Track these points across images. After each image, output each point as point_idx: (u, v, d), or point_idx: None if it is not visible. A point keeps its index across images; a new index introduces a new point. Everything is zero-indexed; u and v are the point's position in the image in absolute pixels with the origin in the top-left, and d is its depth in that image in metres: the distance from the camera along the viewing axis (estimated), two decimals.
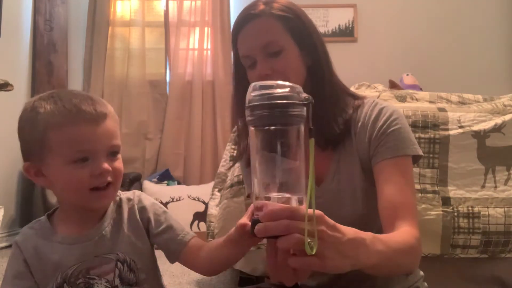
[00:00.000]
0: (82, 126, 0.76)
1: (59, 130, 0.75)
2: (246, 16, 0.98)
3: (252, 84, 0.63)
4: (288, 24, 0.97)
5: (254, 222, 0.61)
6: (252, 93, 0.62)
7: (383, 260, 0.71)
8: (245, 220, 0.69)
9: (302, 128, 0.62)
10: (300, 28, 0.99)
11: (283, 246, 0.58)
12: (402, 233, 0.83)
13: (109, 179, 0.78)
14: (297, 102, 0.61)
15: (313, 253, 0.58)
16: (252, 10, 0.98)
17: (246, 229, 0.67)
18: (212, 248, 0.80)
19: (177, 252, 0.84)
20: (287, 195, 0.62)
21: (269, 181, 0.62)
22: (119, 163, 0.80)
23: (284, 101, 0.60)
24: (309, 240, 0.57)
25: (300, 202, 0.62)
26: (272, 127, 0.60)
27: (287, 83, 0.62)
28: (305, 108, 0.62)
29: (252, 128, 0.63)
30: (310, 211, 0.59)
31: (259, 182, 0.63)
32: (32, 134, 0.77)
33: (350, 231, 0.65)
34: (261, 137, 0.62)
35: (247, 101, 0.63)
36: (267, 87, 0.62)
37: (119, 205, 0.85)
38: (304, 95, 0.62)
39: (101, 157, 0.77)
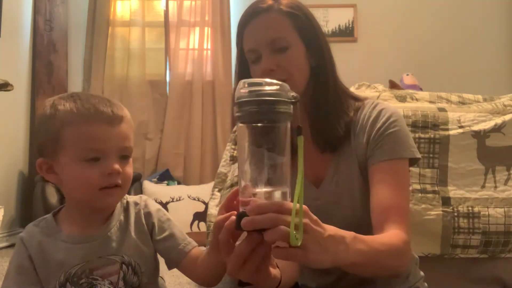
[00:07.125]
0: (97, 126, 0.77)
1: (75, 128, 0.77)
2: (254, 10, 0.97)
3: (241, 81, 0.64)
4: (296, 22, 0.97)
5: (240, 216, 0.62)
6: (241, 90, 0.63)
7: (364, 260, 0.71)
8: (220, 217, 0.66)
9: (289, 125, 0.63)
10: (308, 28, 0.98)
11: (270, 238, 0.59)
12: (389, 236, 0.83)
13: (118, 181, 0.78)
14: (284, 99, 0.62)
15: (299, 245, 0.59)
16: (260, 4, 0.97)
17: (228, 223, 0.63)
18: (205, 257, 0.80)
19: (177, 261, 0.84)
20: (273, 189, 0.63)
21: (256, 176, 0.62)
22: (129, 168, 0.81)
23: (272, 98, 0.61)
24: (294, 233, 0.58)
25: (284, 195, 0.63)
26: (259, 124, 0.61)
27: (275, 81, 0.63)
28: (292, 106, 0.63)
29: (241, 124, 0.63)
30: (296, 205, 0.60)
31: (245, 177, 0.63)
32: (49, 130, 0.79)
33: (330, 228, 0.66)
34: (249, 133, 0.62)
35: (236, 98, 0.63)
36: (255, 84, 0.62)
37: (126, 208, 0.86)
38: (292, 93, 0.63)
39: (112, 158, 0.78)
